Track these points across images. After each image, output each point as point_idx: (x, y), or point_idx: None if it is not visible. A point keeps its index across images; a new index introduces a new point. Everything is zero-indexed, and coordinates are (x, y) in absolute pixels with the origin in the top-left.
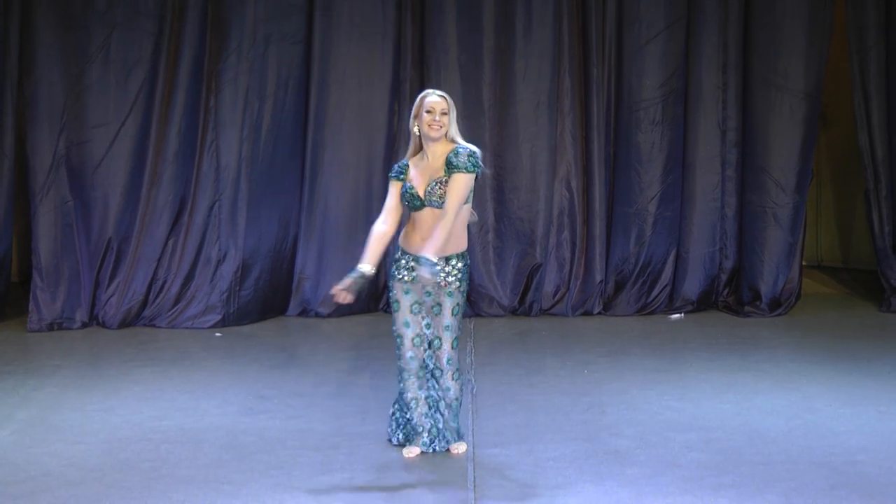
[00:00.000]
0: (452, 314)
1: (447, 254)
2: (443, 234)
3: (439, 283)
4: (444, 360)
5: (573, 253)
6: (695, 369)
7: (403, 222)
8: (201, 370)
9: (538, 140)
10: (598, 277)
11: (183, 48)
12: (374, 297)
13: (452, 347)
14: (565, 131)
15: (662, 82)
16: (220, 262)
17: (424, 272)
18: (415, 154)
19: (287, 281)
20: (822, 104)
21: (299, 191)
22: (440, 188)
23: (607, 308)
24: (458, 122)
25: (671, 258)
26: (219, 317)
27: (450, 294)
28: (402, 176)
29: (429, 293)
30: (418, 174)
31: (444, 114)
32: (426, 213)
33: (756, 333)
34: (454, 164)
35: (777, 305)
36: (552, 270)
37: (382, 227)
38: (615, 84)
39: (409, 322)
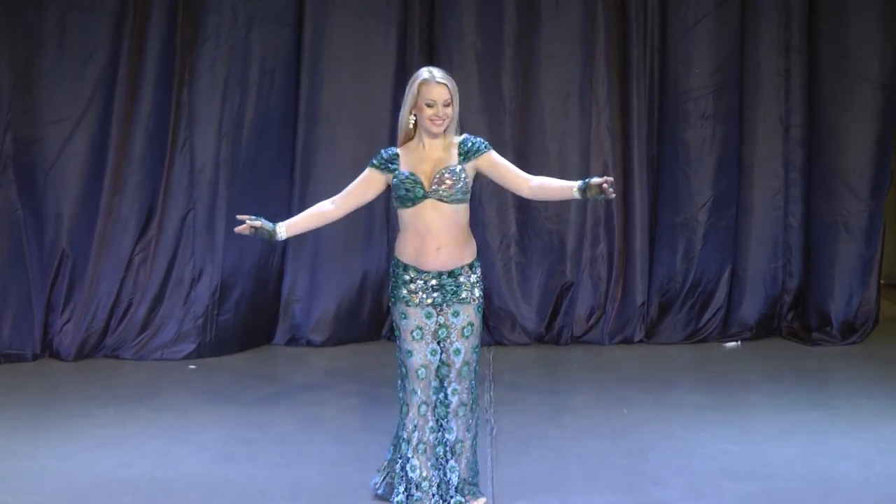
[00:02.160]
0: (478, 333)
1: (470, 259)
2: (559, 183)
3: (466, 297)
4: (468, 389)
5: (610, 270)
6: (754, 407)
7: (369, 225)
8: (173, 409)
9: (568, 137)
10: (640, 299)
11: (150, 31)
12: (376, 323)
13: (476, 371)
14: (600, 127)
15: (714, 69)
16: (194, 282)
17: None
18: (405, 142)
19: (273, 304)
20: None
21: (288, 197)
22: (451, 179)
23: (650, 335)
24: (474, 115)
25: (725, 276)
26: (193, 346)
27: (479, 309)
28: (391, 166)
29: (456, 313)
30: (415, 164)
31: (448, 105)
32: (428, 210)
33: (826, 364)
34: (473, 148)
35: (850, 332)
36: (585, 291)
37: (328, 206)
38: (659, 71)
39: (435, 349)
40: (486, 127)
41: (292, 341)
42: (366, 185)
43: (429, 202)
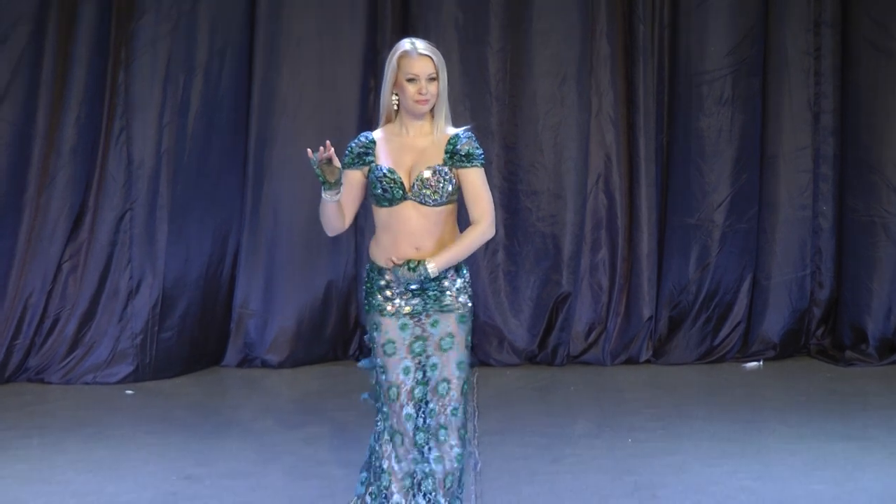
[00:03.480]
0: (466, 346)
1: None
2: (468, 250)
3: (450, 305)
4: (449, 411)
5: (613, 280)
6: (777, 437)
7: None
8: (107, 441)
9: (565, 127)
10: (647, 312)
11: (81, 3)
12: (342, 341)
13: (462, 393)
14: (602, 114)
15: (732, 47)
16: (131, 294)
17: (408, 278)
18: (388, 123)
19: (224, 318)
20: None
21: (240, 197)
22: (437, 180)
23: (659, 354)
24: (455, 101)
25: (746, 286)
26: (130, 368)
27: (462, 319)
28: (366, 158)
29: (435, 323)
30: (395, 154)
31: (433, 79)
32: (408, 210)
33: (861, 388)
34: (462, 153)
35: (890, 350)
36: (584, 303)
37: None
38: (669, 50)
39: (409, 367)
40: (469, 114)
41: (245, 362)
42: (352, 189)
43: (408, 203)
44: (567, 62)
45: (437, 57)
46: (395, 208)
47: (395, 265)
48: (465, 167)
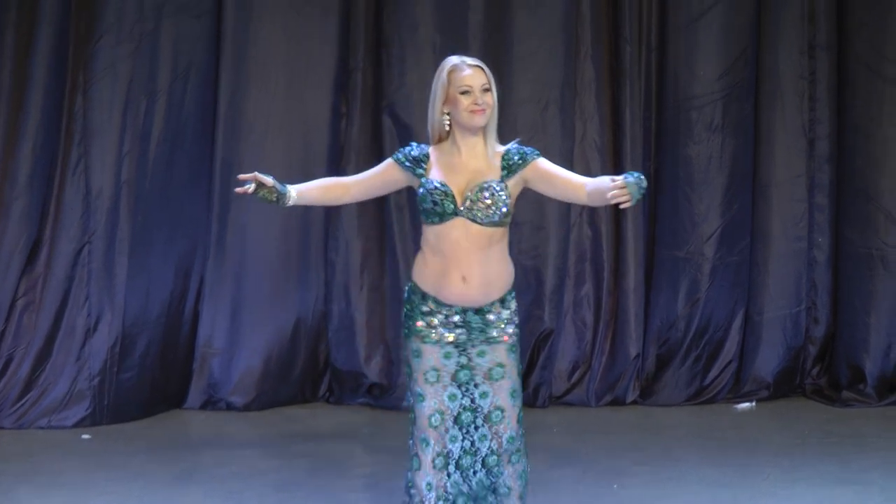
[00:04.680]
0: (518, 374)
1: (500, 293)
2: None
3: (497, 337)
4: (505, 439)
5: (598, 315)
6: (772, 482)
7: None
8: (63, 489)
9: (547, 154)
10: (634, 350)
11: (39, 24)
12: (312, 381)
13: (518, 421)
14: (586, 141)
15: (723, 71)
16: (89, 333)
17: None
18: (439, 143)
19: (186, 358)
20: None
21: (205, 227)
22: (491, 195)
23: (646, 394)
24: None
25: (737, 322)
26: (88, 411)
27: (512, 349)
28: (418, 170)
29: (482, 353)
30: (448, 172)
31: (487, 90)
32: (457, 230)
33: (859, 430)
34: (516, 159)
35: (889, 390)
36: (568, 340)
37: (340, 189)
38: (657, 73)
39: (455, 395)
40: None
41: (209, 404)
42: (382, 181)
43: (459, 220)
44: (550, 86)
45: (488, 69)
46: (445, 228)
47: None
48: (528, 163)
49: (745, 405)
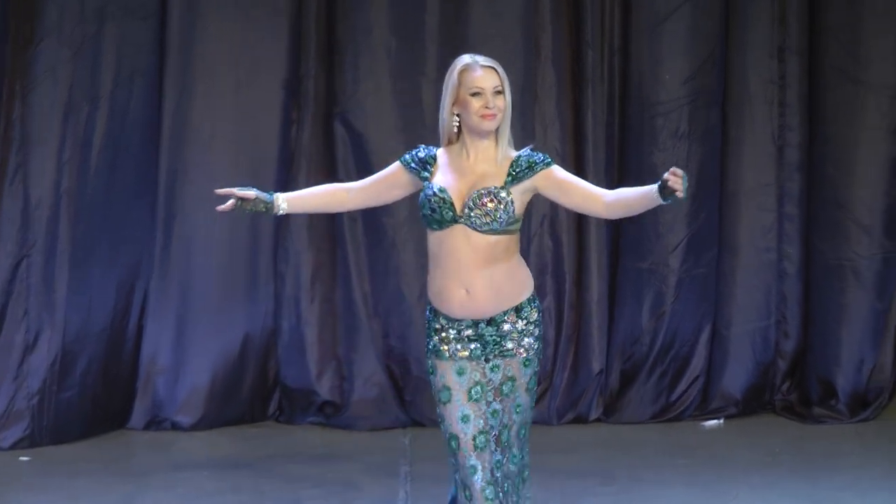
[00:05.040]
0: (528, 389)
1: (515, 302)
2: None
3: (511, 350)
4: (508, 459)
5: (559, 330)
6: (741, 502)
7: (252, 271)
8: None
9: None
10: (597, 366)
11: None
12: (261, 400)
13: (520, 436)
14: (547, 148)
15: (689, 75)
16: (28, 349)
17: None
18: (450, 145)
19: (130, 376)
20: None
21: (149, 239)
22: (493, 203)
23: (610, 412)
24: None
25: (704, 337)
26: (26, 431)
27: (527, 363)
28: (423, 172)
29: (496, 368)
30: (452, 176)
31: (499, 92)
32: (458, 238)
33: (832, 448)
34: (524, 167)
35: (861, 406)
36: None
37: (342, 194)
38: (620, 78)
39: (468, 415)
40: (402, 148)
41: (154, 424)
42: (388, 184)
43: (459, 227)
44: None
45: (501, 70)
46: (445, 235)
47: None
48: (538, 171)
49: (713, 422)
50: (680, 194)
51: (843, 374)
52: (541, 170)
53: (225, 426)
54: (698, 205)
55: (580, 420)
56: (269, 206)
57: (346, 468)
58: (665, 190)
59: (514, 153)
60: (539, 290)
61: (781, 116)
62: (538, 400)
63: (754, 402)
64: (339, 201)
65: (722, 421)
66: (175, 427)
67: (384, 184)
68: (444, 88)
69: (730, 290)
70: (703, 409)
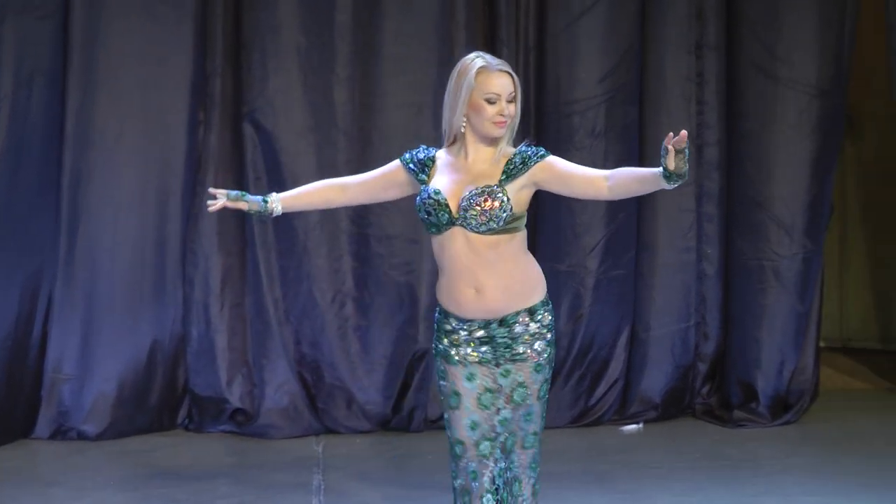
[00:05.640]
0: (539, 397)
1: (528, 303)
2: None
3: (523, 354)
4: (528, 463)
5: None
6: None
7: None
8: None
9: None
10: None
11: None
12: (170, 407)
13: (528, 446)
14: None
15: (606, 73)
16: None
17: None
18: (450, 145)
19: (34, 384)
20: (847, 103)
21: (53, 243)
22: (487, 202)
23: None
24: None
25: (623, 340)
26: None
27: (538, 368)
28: (421, 175)
29: (506, 373)
30: (449, 177)
31: (512, 101)
32: (458, 241)
33: (753, 452)
34: (518, 164)
35: (782, 409)
36: None
37: (336, 191)
38: (535, 76)
39: (476, 422)
40: (313, 149)
41: (59, 433)
42: (386, 182)
43: (457, 231)
44: (423, 91)
45: (515, 76)
46: (445, 239)
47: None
48: (532, 166)
49: (632, 427)
50: (681, 167)
51: (763, 376)
52: (535, 163)
53: (133, 435)
54: (616, 205)
55: None
56: (264, 211)
57: (257, 477)
58: (669, 175)
59: (511, 150)
60: None
61: (699, 114)
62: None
63: (674, 406)
64: (330, 197)
65: (641, 425)
66: (81, 436)
67: (381, 182)
68: (454, 87)
69: (648, 292)
70: (622, 413)
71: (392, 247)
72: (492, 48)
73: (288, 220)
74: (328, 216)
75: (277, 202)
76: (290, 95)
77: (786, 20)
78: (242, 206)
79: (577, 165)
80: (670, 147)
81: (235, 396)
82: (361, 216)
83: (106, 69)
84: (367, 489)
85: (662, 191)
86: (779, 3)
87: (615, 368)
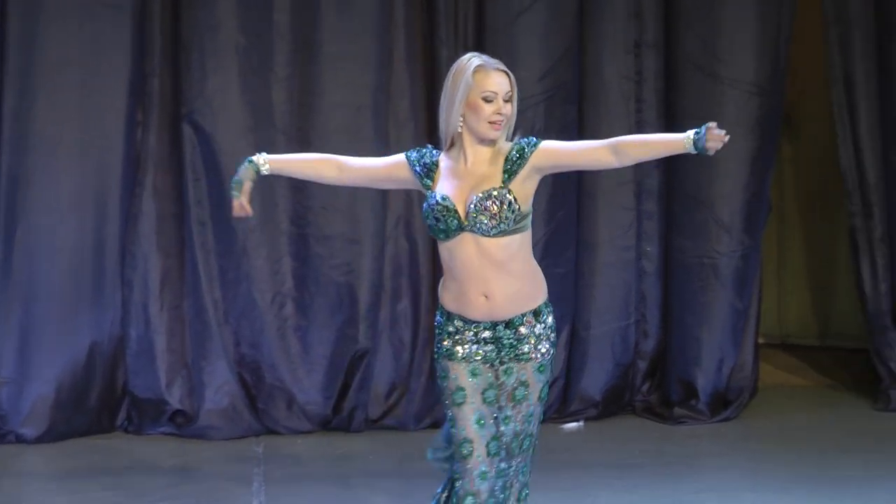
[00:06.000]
0: (540, 399)
1: (534, 304)
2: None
3: (527, 354)
4: (521, 468)
5: (416, 333)
6: None
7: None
8: None
9: None
10: None
11: None
12: (109, 410)
13: (523, 448)
14: (401, 148)
15: (545, 72)
16: None
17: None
18: (449, 149)
19: None
20: (785, 103)
21: None
22: (496, 205)
23: None
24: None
25: (563, 338)
26: None
27: (541, 368)
28: (425, 180)
29: (509, 371)
30: (452, 182)
31: (509, 100)
32: (468, 246)
33: (693, 449)
34: (515, 158)
35: (722, 405)
36: (385, 361)
37: (332, 168)
38: None
39: (483, 417)
40: (252, 149)
41: None
42: (388, 174)
43: (467, 236)
44: (362, 90)
45: (512, 75)
46: (454, 245)
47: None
48: (528, 156)
49: (573, 425)
50: (712, 152)
51: (703, 373)
52: (531, 153)
53: (72, 438)
54: (556, 203)
55: (438, 425)
56: (256, 170)
57: (198, 479)
58: (700, 143)
59: (507, 145)
60: (395, 294)
61: (638, 112)
62: (394, 405)
63: (614, 404)
64: (326, 174)
65: (582, 423)
66: (20, 440)
67: (383, 173)
68: (451, 88)
69: (588, 290)
70: (563, 411)
71: (331, 247)
72: (430, 47)
73: (227, 221)
74: (267, 218)
75: (265, 161)
76: (229, 95)
77: (724, 18)
78: (248, 184)
79: (574, 142)
80: (713, 134)
81: (175, 398)
82: (301, 216)
83: (43, 71)
84: (307, 489)
85: (601, 189)
86: (716, 1)
87: (555, 367)
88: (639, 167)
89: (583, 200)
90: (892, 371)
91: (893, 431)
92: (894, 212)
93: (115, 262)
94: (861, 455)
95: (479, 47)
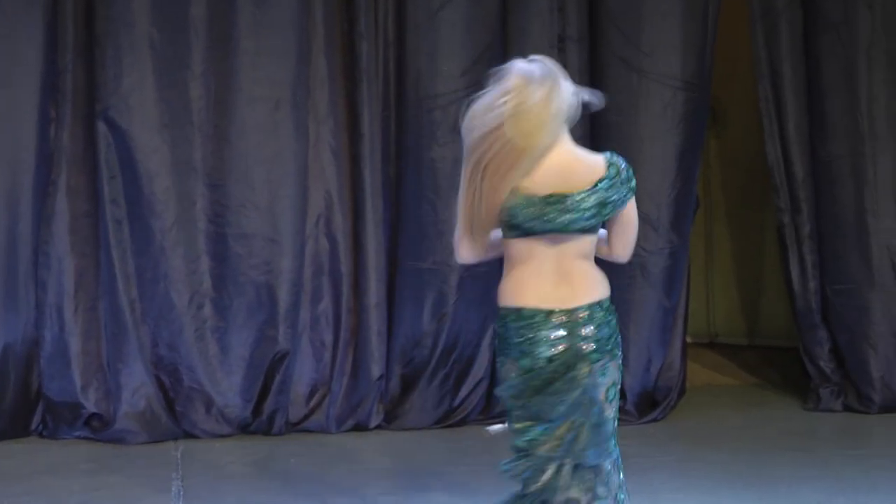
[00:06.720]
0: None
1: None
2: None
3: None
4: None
5: (337, 334)
6: None
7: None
8: None
9: (279, 160)
10: (377, 371)
11: None
12: (23, 414)
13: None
14: (321, 145)
15: (468, 66)
16: None
17: None
18: None
19: None
20: (711, 97)
21: None
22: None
23: (391, 418)
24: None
25: (487, 338)
26: None
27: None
28: None
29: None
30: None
31: None
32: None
33: (620, 451)
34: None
35: (650, 406)
36: (305, 362)
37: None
38: (396, 71)
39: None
40: (168, 147)
41: None
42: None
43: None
44: (280, 85)
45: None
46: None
47: None
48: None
49: (498, 427)
50: None
51: (630, 373)
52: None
53: None
54: None
55: (360, 427)
56: None
57: (115, 483)
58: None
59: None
60: (315, 294)
61: None
62: (315, 408)
63: None
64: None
65: (507, 425)
66: None
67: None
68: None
69: None
70: (488, 413)
71: (250, 246)
72: (350, 42)
73: (144, 220)
74: (185, 214)
75: None
76: (144, 91)
77: (648, 12)
78: None
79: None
80: None
81: (91, 401)
82: (219, 215)
83: None
84: (227, 494)
85: None
86: None
87: (480, 367)
88: None
89: None
90: (822, 370)
91: (823, 431)
92: (823, 208)
93: (29, 262)
94: (791, 454)
95: (400, 41)
